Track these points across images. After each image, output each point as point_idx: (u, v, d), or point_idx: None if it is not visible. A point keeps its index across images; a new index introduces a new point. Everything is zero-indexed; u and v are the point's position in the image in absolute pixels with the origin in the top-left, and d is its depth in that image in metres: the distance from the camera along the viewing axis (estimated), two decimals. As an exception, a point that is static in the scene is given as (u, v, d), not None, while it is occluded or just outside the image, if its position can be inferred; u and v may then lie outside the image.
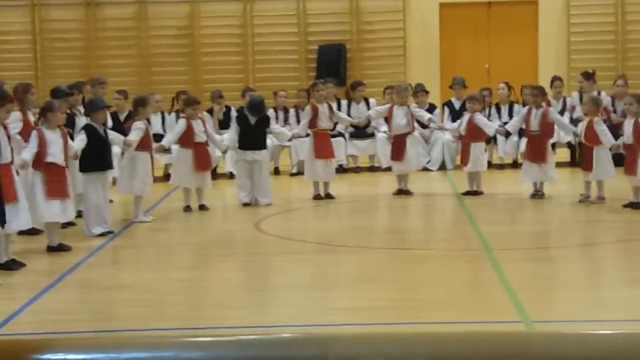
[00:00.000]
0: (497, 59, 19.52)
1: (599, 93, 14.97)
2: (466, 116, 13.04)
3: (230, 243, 10.56)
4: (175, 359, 1.91)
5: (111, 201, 11.67)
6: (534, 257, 9.28)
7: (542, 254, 9.45)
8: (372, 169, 16.10)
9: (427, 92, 16.32)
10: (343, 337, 1.93)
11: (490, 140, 14.88)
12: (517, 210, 12.26)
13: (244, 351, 1.91)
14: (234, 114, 15.35)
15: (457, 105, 16.02)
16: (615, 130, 12.76)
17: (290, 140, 14.67)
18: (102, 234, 10.49)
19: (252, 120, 12.50)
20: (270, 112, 15.61)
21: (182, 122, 12.24)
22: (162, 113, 15.66)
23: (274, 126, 13.32)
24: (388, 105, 13.57)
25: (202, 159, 12.14)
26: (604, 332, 2.00)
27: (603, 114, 13.51)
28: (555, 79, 16.20)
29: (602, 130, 11.79)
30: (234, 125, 12.77)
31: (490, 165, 14.74)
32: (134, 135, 11.15)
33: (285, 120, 16.10)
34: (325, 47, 19.57)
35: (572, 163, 15.06)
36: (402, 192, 13.20)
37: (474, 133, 12.91)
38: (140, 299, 7.78)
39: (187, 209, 12.21)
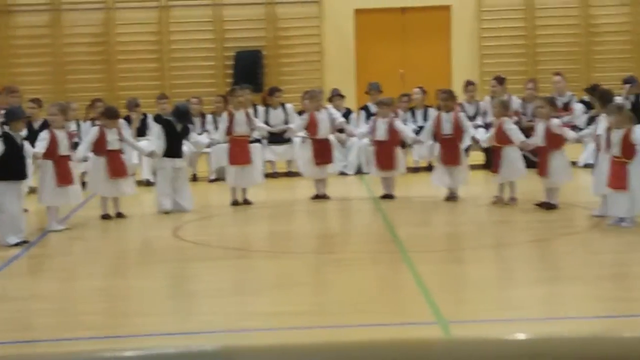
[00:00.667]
0: (412, 63, 19.73)
1: (509, 97, 15.26)
2: (382, 121, 13.10)
3: (148, 250, 10.52)
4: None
5: (26, 210, 11.52)
6: (449, 258, 9.43)
7: (457, 255, 9.61)
8: (290, 174, 16.15)
9: (342, 97, 16.48)
10: (245, 350, 1.98)
11: (406, 145, 15.03)
12: (432, 212, 12.43)
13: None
14: (150, 121, 15.29)
15: (373, 109, 16.16)
16: (526, 133, 13.01)
17: (208, 147, 14.66)
18: (17, 244, 10.36)
19: (179, 127, 12.51)
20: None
21: (94, 130, 12.22)
22: (77, 121, 15.50)
23: (192, 134, 13.28)
24: (307, 115, 13.63)
25: (115, 167, 12.06)
26: (513, 337, 2.08)
27: (513, 116, 13.76)
28: (468, 83, 16.49)
29: (512, 129, 12.04)
30: (159, 132, 12.64)
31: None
32: (39, 147, 11.10)
33: (203, 127, 16.07)
34: (242, 54, 19.57)
35: (486, 165, 15.28)
36: (320, 196, 13.29)
37: (396, 138, 13.07)
38: (57, 309, 7.71)
39: (105, 217, 12.13)
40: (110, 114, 12.31)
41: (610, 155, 10.35)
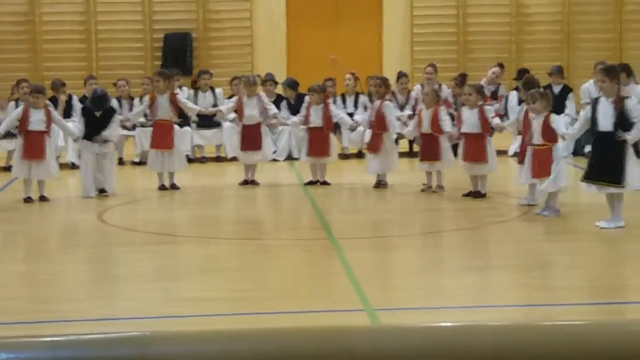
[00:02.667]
0: (344, 49, 19.70)
1: (439, 86, 15.30)
2: (317, 107, 13.01)
3: (72, 235, 10.34)
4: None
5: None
6: (378, 245, 9.42)
7: (385, 243, 9.60)
8: (219, 159, 16.02)
9: (276, 83, 16.36)
10: (161, 336, 1.90)
11: (336, 130, 15.03)
12: (361, 199, 12.42)
13: (57, 352, 1.85)
14: (76, 102, 15.05)
15: (292, 100, 16.06)
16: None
17: (133, 129, 14.45)
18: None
19: (98, 113, 12.30)
20: (114, 102, 15.35)
21: (18, 110, 11.99)
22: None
23: (115, 119, 13.03)
24: (236, 98, 13.52)
25: (30, 147, 11.78)
26: (441, 324, 2.03)
27: (446, 106, 13.79)
28: (400, 75, 16.50)
29: (445, 120, 12.08)
30: (79, 117, 12.50)
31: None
32: None
33: (130, 109, 15.81)
34: (171, 36, 19.35)
35: (411, 153, 15.28)
36: (249, 182, 13.18)
37: (330, 124, 13.02)
38: (-24, 293, 7.53)
39: (28, 200, 11.87)
40: (36, 90, 12.05)
41: (532, 144, 10.42)
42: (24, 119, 11.80)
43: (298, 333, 1.89)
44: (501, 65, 16.80)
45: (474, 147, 11.63)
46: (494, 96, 16.05)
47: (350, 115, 14.92)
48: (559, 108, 14.80)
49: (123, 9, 19.42)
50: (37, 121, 11.81)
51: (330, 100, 14.15)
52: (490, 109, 11.85)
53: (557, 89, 15.57)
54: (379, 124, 12.47)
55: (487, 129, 11.65)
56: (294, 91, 16.19)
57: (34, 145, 11.80)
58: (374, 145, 12.53)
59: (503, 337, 1.89)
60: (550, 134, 10.30)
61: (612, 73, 9.70)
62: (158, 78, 12.91)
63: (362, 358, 1.83)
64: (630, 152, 9.62)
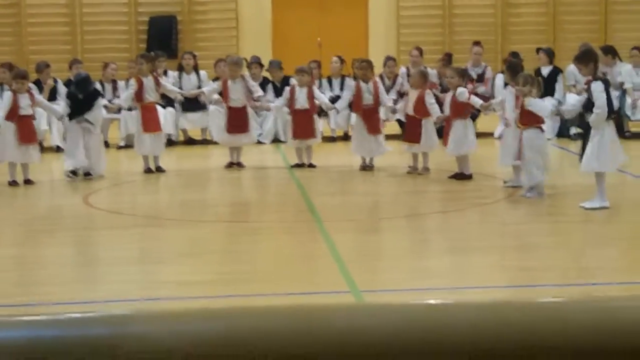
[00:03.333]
0: (329, 32, 19.66)
1: (425, 68, 15.27)
2: (301, 89, 12.98)
3: (57, 218, 10.31)
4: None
5: None
6: (364, 228, 9.43)
7: (371, 225, 9.62)
8: (204, 142, 15.98)
9: (261, 66, 16.29)
10: (139, 315, 1.90)
11: (321, 113, 15.01)
12: (347, 182, 12.42)
13: (36, 331, 1.85)
14: (61, 86, 14.98)
15: (277, 82, 16.01)
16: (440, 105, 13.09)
17: (118, 112, 14.40)
18: None
19: (81, 96, 12.25)
20: (98, 85, 15.30)
21: (7, 96, 11.93)
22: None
23: (99, 101, 12.99)
24: (220, 81, 13.49)
25: (25, 132, 11.80)
26: (425, 302, 2.04)
27: (432, 89, 13.80)
28: (388, 58, 16.45)
29: (432, 103, 12.08)
30: (64, 100, 12.49)
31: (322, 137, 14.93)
32: None
33: (114, 92, 15.74)
34: (156, 19, 19.28)
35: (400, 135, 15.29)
36: (234, 165, 13.17)
37: (314, 106, 13.01)
38: (-39, 277, 7.51)
39: (13, 183, 11.83)
40: (20, 76, 12.02)
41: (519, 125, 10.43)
42: (14, 105, 11.77)
43: (277, 310, 1.89)
44: (477, 43, 16.69)
45: (446, 130, 11.72)
46: (481, 79, 16.03)
47: (337, 97, 14.89)
48: (548, 91, 14.85)
49: (108, -9, 19.33)
50: (24, 106, 11.82)
51: (316, 83, 14.13)
52: (463, 92, 11.73)
53: (545, 71, 15.56)
54: (375, 106, 12.54)
55: (461, 112, 11.60)
56: (279, 72, 16.14)
57: (26, 130, 11.79)
58: (372, 127, 12.53)
59: (485, 314, 1.90)
60: (525, 117, 10.28)
61: (584, 58, 9.76)
62: (142, 61, 12.87)
63: (342, 336, 1.84)
64: (594, 135, 9.60)
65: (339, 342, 1.79)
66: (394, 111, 12.68)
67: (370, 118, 12.62)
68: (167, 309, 1.98)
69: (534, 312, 1.88)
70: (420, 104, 12.08)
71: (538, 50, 16.29)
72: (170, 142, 14.98)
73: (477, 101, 11.72)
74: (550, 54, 16.10)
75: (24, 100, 11.82)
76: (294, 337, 1.79)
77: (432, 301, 1.99)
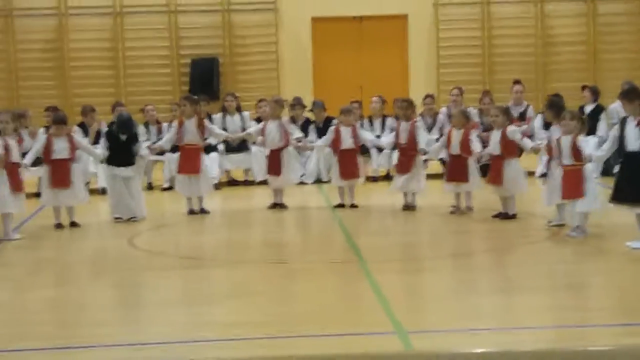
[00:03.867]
0: (369, 72, 19.75)
1: (466, 108, 15.25)
2: (349, 129, 13.00)
3: (102, 260, 10.36)
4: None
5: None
6: (408, 268, 9.39)
7: (415, 265, 9.57)
8: (247, 182, 16.04)
9: (304, 107, 16.40)
10: None
11: (364, 153, 15.04)
12: (390, 221, 12.39)
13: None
14: (104, 128, 15.11)
15: (320, 123, 16.07)
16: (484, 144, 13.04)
17: (161, 154, 14.50)
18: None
19: (122, 137, 12.37)
20: (142, 128, 15.46)
21: (41, 139, 12.05)
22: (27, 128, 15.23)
23: (139, 145, 13.08)
24: (262, 123, 13.58)
25: (58, 176, 11.86)
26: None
27: (472, 127, 13.77)
28: (427, 96, 16.50)
29: (473, 140, 12.06)
30: (103, 141, 12.59)
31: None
32: None
33: (159, 134, 15.88)
34: (198, 61, 19.47)
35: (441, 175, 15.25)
36: (277, 205, 13.19)
37: (358, 145, 13.05)
38: (8, 319, 7.56)
39: (58, 226, 11.93)
40: (57, 120, 12.13)
41: (562, 165, 10.36)
42: (48, 148, 11.88)
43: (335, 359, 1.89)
44: (518, 82, 16.64)
45: (495, 170, 11.64)
46: (523, 117, 15.97)
47: (377, 137, 14.90)
48: (591, 129, 14.76)
49: (150, 35, 19.57)
50: (60, 149, 11.88)
51: (358, 123, 14.17)
52: (516, 131, 11.79)
53: (588, 109, 15.48)
54: (410, 145, 12.48)
55: (509, 150, 11.60)
56: (322, 113, 16.20)
57: (59, 173, 11.86)
58: (404, 167, 12.52)
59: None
60: (579, 154, 10.24)
61: (630, 95, 9.73)
62: (185, 102, 12.97)
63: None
64: None
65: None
66: (424, 153, 12.59)
67: (405, 157, 12.59)
68: (228, 356, 1.98)
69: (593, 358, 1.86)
70: (466, 142, 12.06)
71: (583, 87, 16.21)
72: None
73: (527, 143, 11.69)
74: (595, 92, 16.02)
75: (58, 144, 11.90)
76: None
77: (481, 350, 1.97)
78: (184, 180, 12.79)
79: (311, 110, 16.44)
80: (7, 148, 11.10)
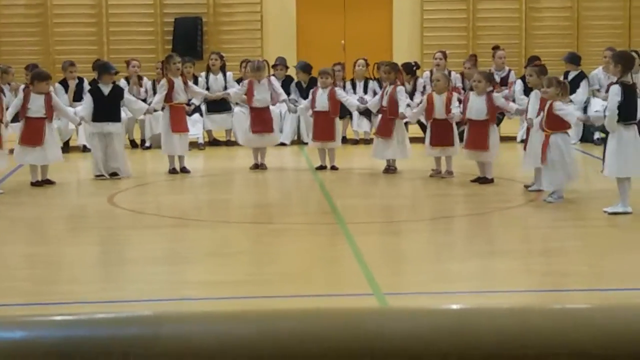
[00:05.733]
0: (353, 35, 19.71)
1: (449, 72, 15.28)
2: (323, 91, 13.01)
3: (83, 217, 10.39)
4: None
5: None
6: (387, 230, 9.46)
7: (394, 228, 9.63)
8: (229, 143, 16.05)
9: (287, 67, 16.42)
10: (173, 315, 1.93)
11: (346, 116, 15.08)
12: (370, 184, 12.44)
13: (67, 331, 1.89)
14: (86, 85, 15.05)
15: (304, 83, 16.11)
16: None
17: (145, 114, 14.47)
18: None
19: (106, 91, 12.33)
20: (123, 82, 15.42)
21: (20, 96, 11.99)
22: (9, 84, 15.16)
23: (129, 97, 13.11)
24: (246, 82, 13.55)
25: (30, 134, 11.76)
26: (449, 306, 2.07)
27: (454, 91, 13.79)
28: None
29: (457, 107, 12.09)
30: (87, 97, 12.53)
31: (345, 140, 15.00)
32: None
33: (139, 90, 15.83)
34: (182, 20, 19.39)
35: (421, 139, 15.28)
36: (259, 166, 13.21)
37: (336, 108, 13.02)
38: (-12, 275, 7.59)
39: (35, 184, 11.87)
40: (35, 77, 12.01)
41: (543, 129, 10.39)
42: (24, 105, 11.81)
43: (307, 314, 1.92)
44: (497, 47, 16.64)
45: (478, 135, 11.65)
46: (504, 82, 16.01)
47: (360, 100, 14.91)
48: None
49: (134, -8, 19.46)
50: (37, 107, 11.78)
51: (340, 85, 14.17)
52: (499, 96, 11.85)
53: (572, 76, 15.54)
54: (391, 110, 12.47)
55: (494, 116, 11.66)
56: (306, 74, 16.19)
57: (32, 131, 11.76)
58: (385, 131, 12.54)
59: (511, 320, 1.93)
60: (553, 122, 10.23)
61: (615, 58, 9.78)
62: (176, 60, 12.93)
63: (370, 340, 1.87)
64: (611, 139, 9.59)
65: (367, 347, 1.83)
66: (402, 117, 12.59)
67: (385, 121, 12.61)
68: (197, 310, 2.02)
69: (561, 318, 1.90)
70: (449, 106, 12.08)
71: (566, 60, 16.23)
72: (195, 145, 15.06)
73: (512, 106, 11.74)
74: (575, 60, 16.02)
75: (35, 102, 11.82)
76: (323, 340, 1.83)
77: (457, 306, 2.01)
78: (174, 139, 12.75)
79: (296, 71, 16.44)
80: None
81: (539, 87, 10.74)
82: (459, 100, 12.39)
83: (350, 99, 13.64)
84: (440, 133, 12.20)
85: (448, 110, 12.07)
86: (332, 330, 1.85)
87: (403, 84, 14.10)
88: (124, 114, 13.50)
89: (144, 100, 14.56)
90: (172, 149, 12.84)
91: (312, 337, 1.84)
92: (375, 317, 1.94)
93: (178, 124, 12.78)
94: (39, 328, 1.92)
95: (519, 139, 15.04)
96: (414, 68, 15.63)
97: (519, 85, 14.68)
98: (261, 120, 13.14)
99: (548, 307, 2.03)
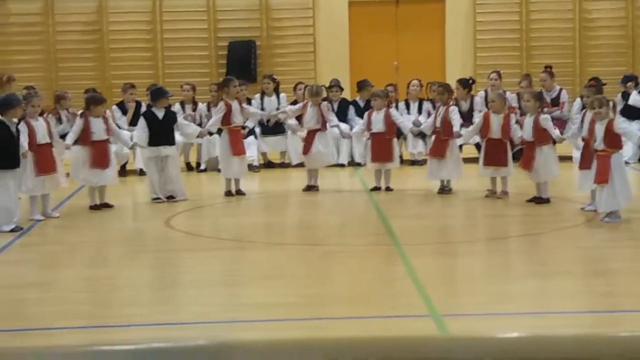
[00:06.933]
0: (406, 56, 19.72)
1: (504, 92, 15.22)
2: (378, 113, 13.04)
3: (139, 240, 10.48)
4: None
5: (19, 198, 11.46)
6: (442, 251, 9.42)
7: (450, 249, 9.60)
8: (283, 165, 16.12)
9: (341, 89, 16.52)
10: (240, 345, 1.95)
11: (400, 136, 15.08)
12: (425, 205, 12.41)
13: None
14: (144, 108, 15.18)
15: (361, 104, 16.19)
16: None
17: (198, 136, 14.59)
18: (11, 230, 10.33)
19: (160, 115, 12.45)
20: (177, 107, 15.58)
21: (79, 121, 12.11)
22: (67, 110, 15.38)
23: (182, 121, 13.23)
24: (301, 104, 13.64)
25: (99, 157, 11.96)
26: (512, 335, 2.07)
27: (510, 111, 13.75)
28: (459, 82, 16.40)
29: (514, 126, 12.05)
30: (141, 122, 12.62)
31: (401, 160, 15.00)
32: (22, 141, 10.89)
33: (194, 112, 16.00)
34: (235, 44, 19.55)
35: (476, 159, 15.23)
36: (311, 187, 13.26)
37: (392, 129, 13.04)
38: (48, 298, 7.68)
39: (93, 207, 12.02)
40: (91, 101, 12.17)
41: (594, 150, 10.31)
42: (86, 130, 11.95)
43: (371, 342, 1.94)
44: (547, 68, 16.46)
45: (527, 155, 11.62)
46: (555, 102, 15.89)
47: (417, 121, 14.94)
48: (635, 112, 14.80)
49: (188, 17, 19.67)
50: (98, 130, 11.92)
51: (393, 106, 14.19)
52: (547, 118, 11.76)
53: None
54: (445, 131, 12.47)
55: (541, 138, 11.56)
56: (367, 92, 16.23)
57: (99, 154, 11.91)
58: (439, 151, 12.53)
59: (576, 347, 1.92)
60: (611, 140, 10.16)
61: None
62: (234, 83, 13.02)
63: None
64: None
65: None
66: (457, 136, 12.58)
67: (438, 141, 12.60)
68: (264, 338, 2.04)
69: (625, 346, 1.89)
70: (506, 127, 12.04)
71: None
72: (250, 167, 15.15)
73: (554, 133, 11.65)
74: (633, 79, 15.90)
75: (96, 125, 11.97)
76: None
77: (519, 334, 2.01)
78: (234, 162, 12.84)
79: (358, 91, 16.58)
80: (30, 131, 11.12)
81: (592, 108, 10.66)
82: (517, 122, 12.34)
83: (404, 122, 13.66)
84: (494, 153, 12.15)
85: (506, 130, 12.03)
86: (396, 358, 1.86)
87: (457, 103, 14.10)
88: (179, 137, 13.63)
89: (200, 124, 14.66)
90: (231, 171, 12.92)
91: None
92: (437, 345, 1.94)
93: (237, 147, 12.87)
94: (106, 358, 1.95)
95: (575, 160, 14.89)
96: (470, 82, 15.58)
97: (577, 105, 14.59)
98: (306, 143, 13.23)
99: (610, 335, 2.01)
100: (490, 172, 12.25)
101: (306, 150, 13.24)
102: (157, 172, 12.39)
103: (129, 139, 12.89)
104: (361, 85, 16.55)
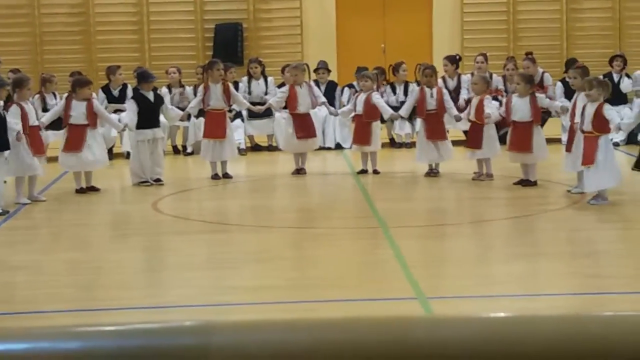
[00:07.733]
0: (393, 38, 19.68)
1: (490, 74, 15.23)
2: (363, 95, 13.06)
3: (126, 223, 10.47)
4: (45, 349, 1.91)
5: (4, 182, 11.41)
6: (429, 234, 9.44)
7: (437, 231, 9.62)
8: (271, 148, 16.10)
9: (329, 71, 16.48)
10: (225, 325, 1.95)
11: (384, 120, 15.04)
12: (412, 188, 12.43)
13: (121, 341, 1.91)
14: (130, 91, 15.14)
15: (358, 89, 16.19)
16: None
17: (188, 119, 14.57)
18: (-1, 214, 10.32)
19: (151, 97, 12.40)
20: (164, 90, 15.53)
21: (61, 102, 12.06)
22: (54, 93, 15.33)
23: (166, 104, 13.18)
24: (286, 88, 13.59)
25: (73, 141, 11.78)
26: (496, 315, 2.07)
27: (493, 93, 13.77)
28: (446, 59, 16.38)
29: (487, 105, 12.04)
30: (131, 104, 12.52)
31: (394, 143, 15.05)
32: (14, 124, 10.81)
33: (181, 96, 15.95)
34: (222, 26, 19.47)
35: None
36: (300, 170, 13.24)
37: (372, 112, 13.01)
38: (35, 281, 7.68)
39: (79, 190, 11.95)
40: (76, 84, 12.07)
41: (583, 132, 10.32)
42: (66, 112, 11.89)
43: (358, 322, 1.94)
44: (529, 57, 16.39)
45: (522, 136, 11.59)
46: (539, 85, 15.88)
47: (402, 104, 14.90)
48: (621, 97, 14.81)
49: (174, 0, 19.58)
50: (78, 114, 11.82)
51: (380, 91, 14.17)
52: (543, 97, 11.82)
53: (617, 78, 15.42)
54: (441, 112, 12.53)
55: (538, 118, 11.61)
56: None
57: (74, 138, 11.79)
58: (438, 133, 12.54)
59: (562, 327, 1.92)
60: (600, 124, 10.17)
61: None
62: (219, 66, 12.98)
63: (418, 348, 1.88)
64: None
65: (417, 354, 1.84)
66: (458, 119, 12.63)
67: (433, 124, 12.61)
68: (248, 319, 2.04)
69: (611, 325, 1.90)
70: (480, 109, 12.05)
71: (613, 58, 16.11)
72: (237, 150, 15.10)
73: (557, 103, 11.70)
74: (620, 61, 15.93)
75: (77, 109, 11.86)
76: (375, 349, 1.84)
77: (506, 314, 2.01)
78: (209, 145, 12.83)
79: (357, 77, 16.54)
80: (24, 114, 11.05)
81: (583, 89, 10.65)
82: (500, 103, 12.35)
83: (385, 106, 13.54)
84: (472, 135, 12.22)
85: (479, 112, 12.02)
86: (382, 339, 1.86)
87: (445, 81, 14.18)
88: (164, 120, 13.56)
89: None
90: (210, 155, 12.88)
91: (363, 346, 1.85)
92: (423, 326, 1.95)
93: (212, 130, 12.81)
94: (92, 338, 1.94)
95: (564, 141, 14.91)
96: (458, 59, 15.59)
97: (559, 88, 14.61)
98: (305, 126, 13.19)
99: (599, 315, 2.02)
100: (470, 154, 12.29)
101: (307, 133, 13.17)
102: (148, 154, 12.34)
103: (118, 122, 12.84)
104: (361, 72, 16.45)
